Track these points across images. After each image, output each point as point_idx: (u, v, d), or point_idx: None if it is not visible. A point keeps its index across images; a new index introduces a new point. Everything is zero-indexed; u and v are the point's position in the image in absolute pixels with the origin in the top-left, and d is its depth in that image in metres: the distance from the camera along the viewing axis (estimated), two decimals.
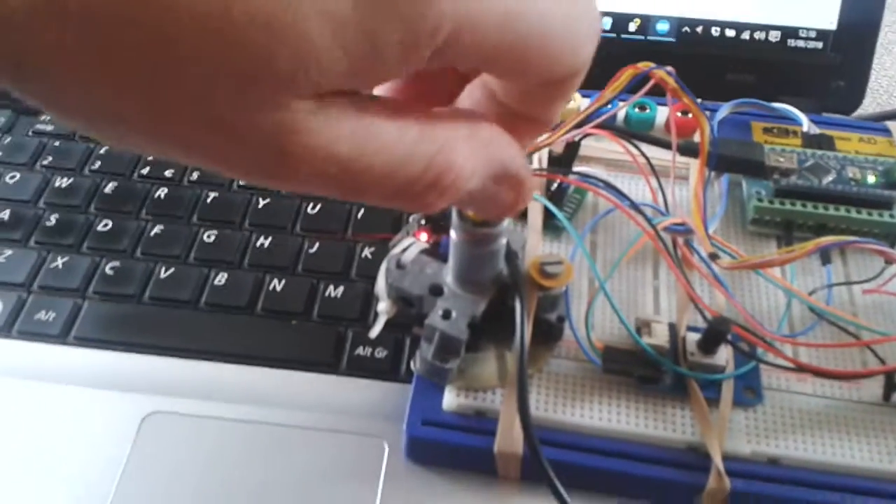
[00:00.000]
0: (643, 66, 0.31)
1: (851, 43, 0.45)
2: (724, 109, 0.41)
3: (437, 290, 0.31)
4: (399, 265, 0.31)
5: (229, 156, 0.15)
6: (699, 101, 0.32)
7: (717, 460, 0.28)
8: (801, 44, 0.46)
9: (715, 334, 0.29)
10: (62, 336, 0.35)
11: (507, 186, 0.19)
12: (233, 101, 0.14)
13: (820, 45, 0.46)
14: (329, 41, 0.13)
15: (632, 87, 0.34)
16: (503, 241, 0.29)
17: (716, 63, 0.47)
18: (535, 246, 0.34)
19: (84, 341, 0.35)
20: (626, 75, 0.32)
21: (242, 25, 0.13)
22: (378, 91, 0.19)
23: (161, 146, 0.15)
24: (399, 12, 0.14)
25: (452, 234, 0.28)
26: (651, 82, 0.32)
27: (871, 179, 0.35)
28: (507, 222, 0.28)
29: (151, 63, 0.13)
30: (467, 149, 0.18)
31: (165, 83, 0.13)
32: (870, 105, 0.49)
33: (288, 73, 0.14)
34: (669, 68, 0.32)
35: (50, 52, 0.13)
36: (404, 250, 0.32)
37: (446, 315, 0.29)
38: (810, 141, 0.39)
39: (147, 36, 0.13)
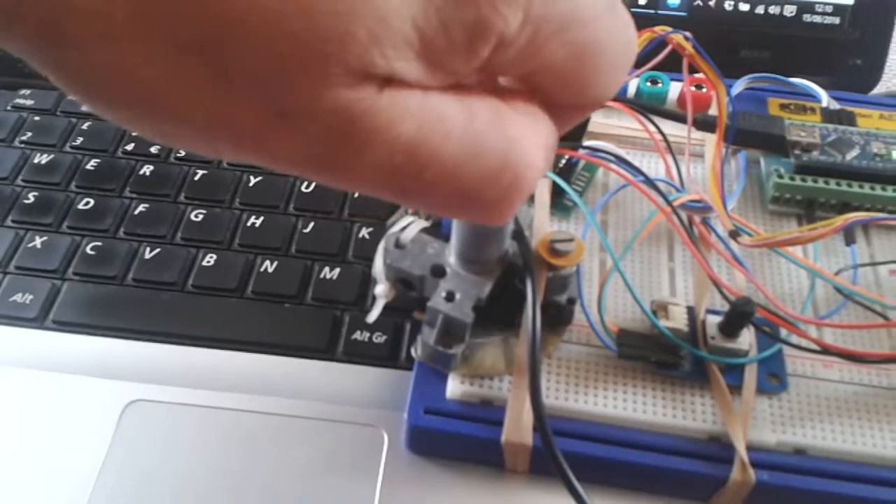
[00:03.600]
0: (660, 29, 0.29)
1: (870, 18, 0.43)
2: (740, 84, 0.39)
3: (439, 271, 0.29)
4: (398, 244, 0.29)
5: (286, 144, 0.13)
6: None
7: (742, 450, 0.26)
8: (817, 19, 0.44)
9: (739, 316, 0.27)
10: (40, 319, 0.33)
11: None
12: (300, 82, 0.12)
13: (837, 20, 0.44)
14: (405, 22, 0.12)
15: (642, 58, 0.32)
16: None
17: (729, 39, 0.44)
18: (543, 224, 0.32)
19: (63, 325, 0.33)
20: (642, 39, 0.30)
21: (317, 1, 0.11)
22: None
23: (211, 139, 0.13)
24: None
25: None
26: (667, 49, 0.30)
27: None
28: None
29: (213, 41, 0.11)
30: (537, 141, 0.15)
31: (226, 64, 0.12)
32: (885, 86, 0.47)
33: (362, 54, 0.12)
34: (687, 34, 0.30)
35: (93, 17, 0.11)
36: (403, 229, 0.29)
37: (450, 297, 0.27)
38: (830, 117, 0.37)
39: (209, 11, 0.11)
